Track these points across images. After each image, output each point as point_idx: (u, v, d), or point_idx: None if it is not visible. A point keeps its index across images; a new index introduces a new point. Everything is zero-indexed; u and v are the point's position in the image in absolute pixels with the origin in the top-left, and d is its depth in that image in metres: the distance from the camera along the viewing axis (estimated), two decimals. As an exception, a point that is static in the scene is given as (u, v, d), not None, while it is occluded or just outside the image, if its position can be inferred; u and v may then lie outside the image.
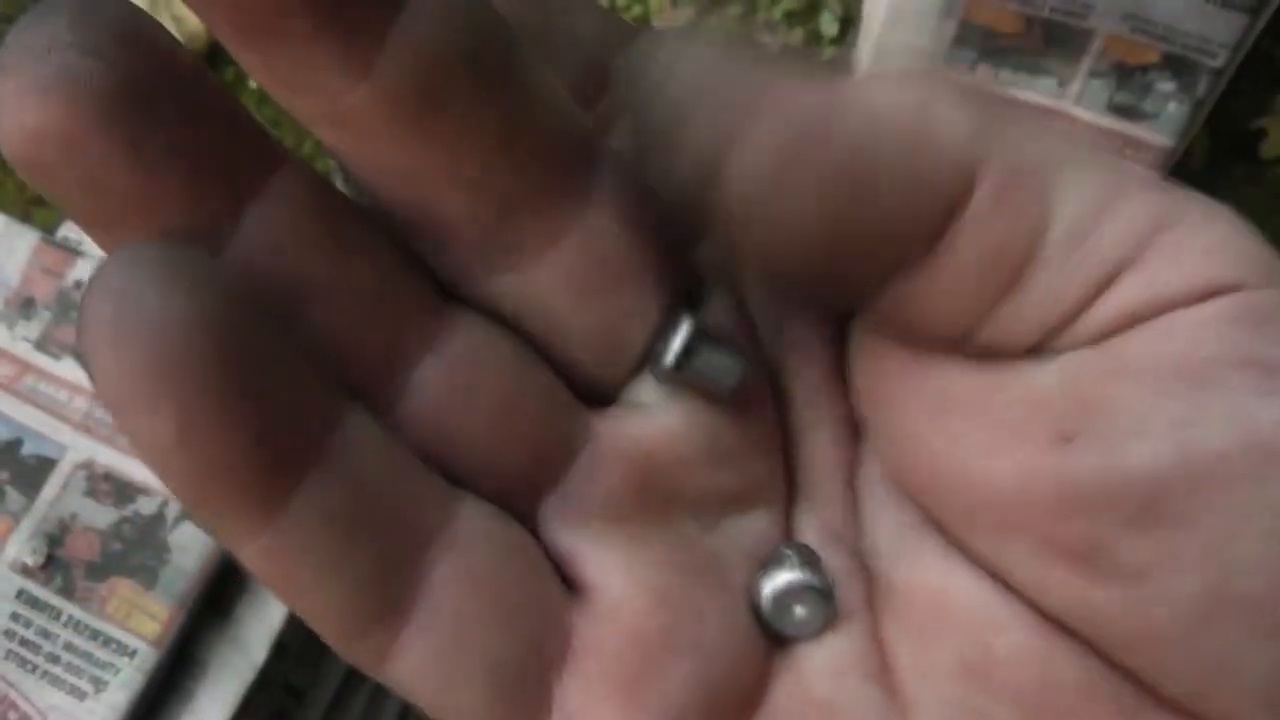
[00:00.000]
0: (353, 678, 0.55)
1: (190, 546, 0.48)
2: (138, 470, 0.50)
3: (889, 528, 0.19)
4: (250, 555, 0.16)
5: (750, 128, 0.15)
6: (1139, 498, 0.15)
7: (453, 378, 0.17)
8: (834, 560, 0.19)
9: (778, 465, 0.20)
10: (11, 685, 0.48)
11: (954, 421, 0.17)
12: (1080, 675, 0.17)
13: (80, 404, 0.51)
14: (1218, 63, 0.55)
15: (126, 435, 0.15)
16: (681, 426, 0.19)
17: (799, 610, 0.18)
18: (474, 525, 0.17)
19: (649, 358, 0.19)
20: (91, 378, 0.14)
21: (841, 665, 0.18)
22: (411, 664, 0.17)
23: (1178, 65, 0.56)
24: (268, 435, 0.15)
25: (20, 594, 0.49)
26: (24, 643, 0.48)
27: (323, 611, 0.16)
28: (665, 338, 0.18)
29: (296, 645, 0.52)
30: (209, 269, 0.15)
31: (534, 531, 0.18)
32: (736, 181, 0.16)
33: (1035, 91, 0.57)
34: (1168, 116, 0.56)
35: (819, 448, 0.20)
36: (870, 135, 0.15)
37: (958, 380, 0.17)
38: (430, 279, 0.18)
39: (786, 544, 0.19)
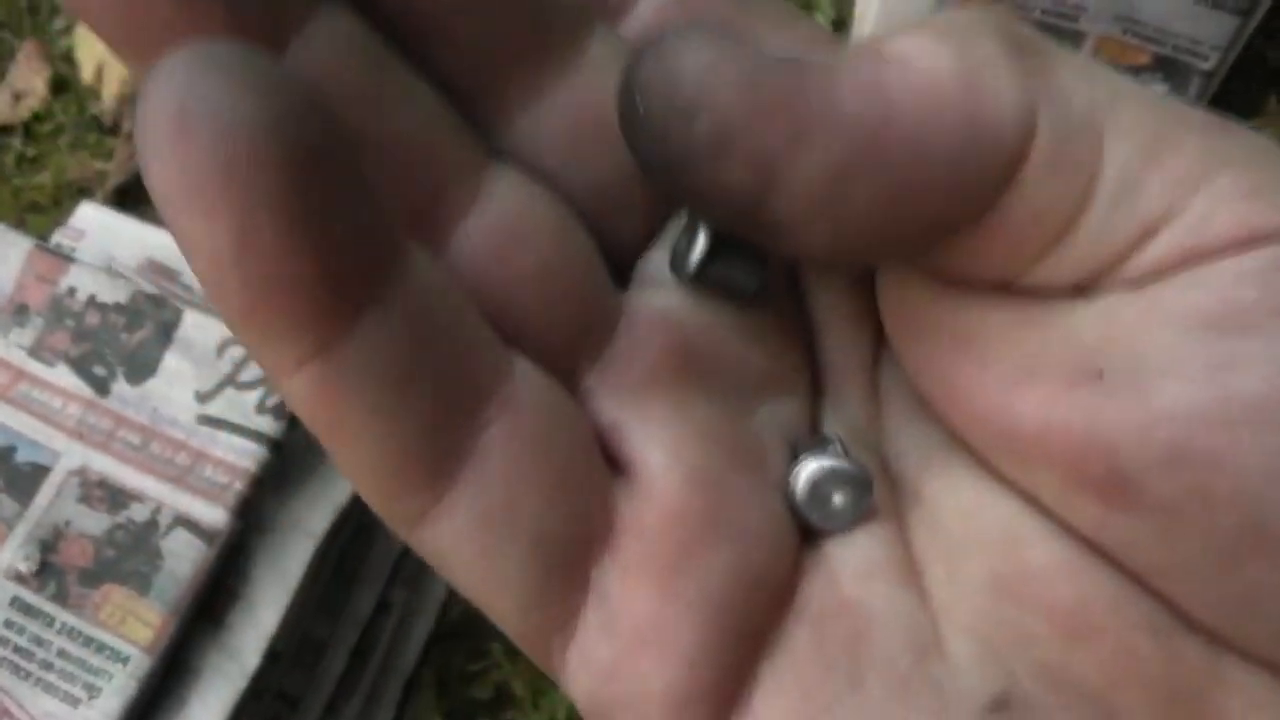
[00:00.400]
0: (346, 684, 0.55)
1: (183, 553, 0.48)
2: (131, 477, 0.50)
3: (914, 439, 0.19)
4: (296, 386, 0.15)
5: (805, 140, 0.16)
6: (1169, 437, 0.15)
7: (500, 231, 0.17)
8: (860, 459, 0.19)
9: (803, 357, 0.20)
10: (5, 692, 0.48)
11: (983, 352, 0.17)
12: (1112, 594, 0.17)
13: (73, 411, 0.51)
14: (1209, 64, 0.55)
15: (179, 239, 0.14)
16: (712, 304, 0.19)
17: (836, 498, 0.18)
18: (529, 387, 0.16)
19: (673, 256, 0.19)
20: (147, 175, 0.14)
21: (872, 566, 0.18)
22: (453, 528, 0.16)
23: (1169, 67, 0.56)
24: (335, 253, 0.14)
25: (14, 601, 0.49)
26: (17, 650, 0.48)
27: (367, 460, 0.15)
28: (687, 241, 0.18)
29: (290, 652, 0.52)
30: (281, 72, 0.14)
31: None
32: (795, 195, 0.16)
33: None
34: (1160, 118, 0.56)
35: (842, 348, 0.20)
36: (923, 132, 0.16)
37: (990, 313, 0.17)
38: (474, 133, 0.17)
39: (823, 435, 0.19)
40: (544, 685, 0.58)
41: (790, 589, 0.18)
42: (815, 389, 0.20)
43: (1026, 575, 0.17)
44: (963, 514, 0.18)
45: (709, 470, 0.17)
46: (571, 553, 0.17)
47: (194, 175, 0.13)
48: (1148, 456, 0.15)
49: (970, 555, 0.18)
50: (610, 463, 0.17)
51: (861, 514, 0.18)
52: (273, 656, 0.50)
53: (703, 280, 0.18)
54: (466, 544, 0.16)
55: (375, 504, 0.16)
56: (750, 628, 0.17)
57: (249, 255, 0.14)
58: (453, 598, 0.59)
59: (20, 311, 0.52)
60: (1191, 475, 0.15)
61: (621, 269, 0.19)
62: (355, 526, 0.53)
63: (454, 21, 0.17)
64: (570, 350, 0.18)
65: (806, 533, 0.18)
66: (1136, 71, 0.56)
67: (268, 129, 0.13)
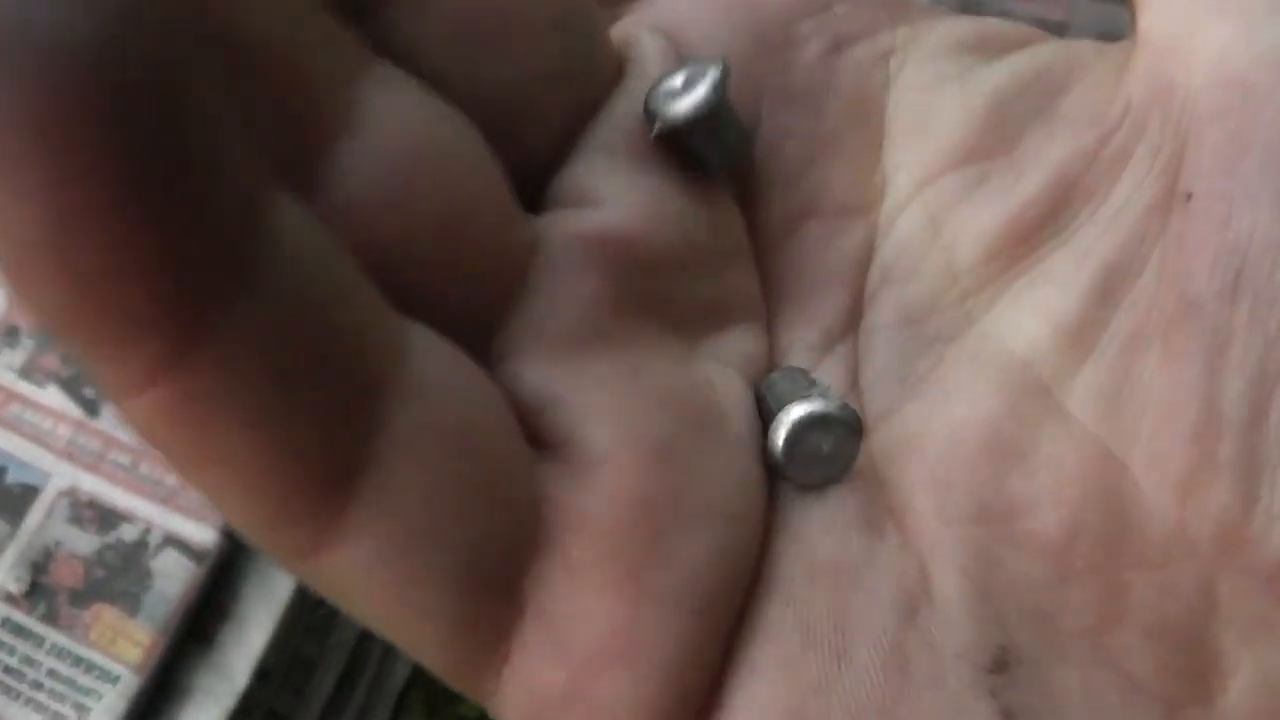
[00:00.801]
0: (336, 704, 0.55)
1: (173, 573, 0.48)
2: (120, 497, 0.50)
3: (899, 343, 0.17)
4: (141, 409, 0.11)
5: None
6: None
7: (385, 162, 0.13)
8: (827, 377, 0.17)
9: (752, 267, 0.17)
10: (-5, 713, 0.48)
11: None
12: (1100, 525, 0.15)
13: (64, 432, 0.51)
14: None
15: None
16: (645, 221, 0.16)
17: (824, 449, 0.16)
18: (432, 367, 0.13)
19: (648, 112, 0.16)
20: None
21: (845, 519, 0.16)
22: (353, 557, 0.13)
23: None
24: (190, 231, 0.10)
25: (4, 621, 0.49)
26: (7, 670, 0.48)
27: (238, 490, 0.12)
28: (685, 87, 0.16)
29: (279, 671, 0.52)
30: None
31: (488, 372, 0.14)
32: None
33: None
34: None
35: (818, 245, 0.18)
36: None
37: None
38: (340, 26, 0.14)
39: (790, 369, 0.17)
40: (534, 703, 0.58)
41: (760, 560, 0.15)
42: (774, 299, 0.18)
43: (1015, 507, 0.16)
44: (948, 434, 0.16)
45: (663, 438, 0.15)
46: (500, 566, 0.14)
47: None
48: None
49: (957, 483, 0.16)
50: (534, 441, 0.14)
51: (849, 463, 0.16)
52: (262, 675, 0.50)
53: (684, 137, 0.16)
54: (371, 574, 0.13)
55: (256, 538, 0.13)
56: (729, 615, 0.15)
57: (69, 240, 0.10)
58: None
59: (11, 333, 0.53)
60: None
61: (530, 192, 0.16)
62: (345, 545, 0.53)
63: None
64: (479, 305, 0.14)
65: (771, 489, 0.16)
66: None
67: (101, 49, 0.09)
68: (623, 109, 0.17)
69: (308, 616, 0.53)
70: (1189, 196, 0.16)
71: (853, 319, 0.18)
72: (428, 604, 0.13)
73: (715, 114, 0.16)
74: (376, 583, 0.13)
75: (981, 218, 0.17)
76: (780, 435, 0.15)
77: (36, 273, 0.10)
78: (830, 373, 0.17)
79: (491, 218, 0.15)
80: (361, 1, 0.14)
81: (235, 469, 0.12)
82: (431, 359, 0.13)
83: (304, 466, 0.12)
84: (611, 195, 0.16)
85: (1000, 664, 0.15)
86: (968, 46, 0.18)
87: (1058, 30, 0.56)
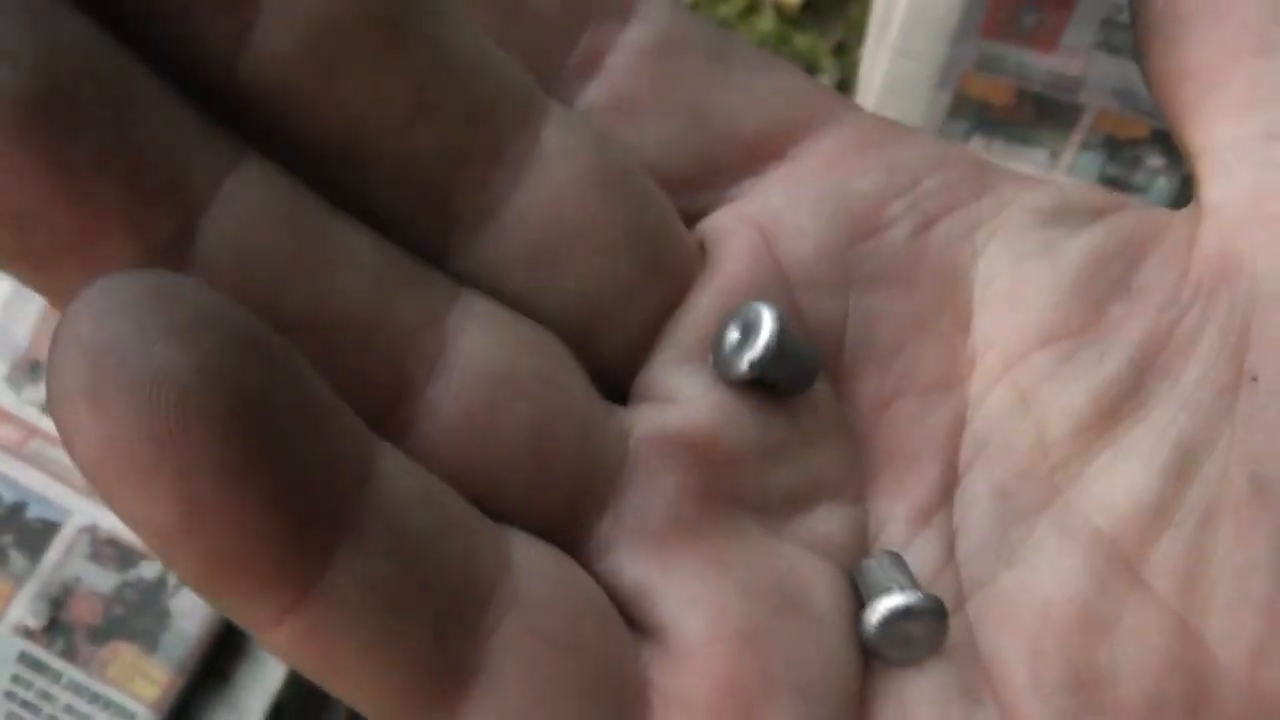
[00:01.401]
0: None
1: (191, 612, 0.49)
2: (140, 535, 0.50)
3: (992, 512, 0.18)
4: (277, 640, 0.13)
5: None
6: None
7: (473, 392, 0.15)
8: (926, 553, 0.18)
9: (842, 448, 0.18)
10: (13, 748, 0.48)
11: None
12: (1183, 692, 0.16)
13: (84, 467, 0.51)
14: (1206, 141, 0.56)
15: (119, 516, 0.12)
16: (723, 418, 0.17)
17: (913, 634, 0.17)
18: (533, 571, 0.15)
19: (719, 353, 0.17)
20: (70, 452, 0.12)
21: (945, 689, 0.17)
22: None
23: (1167, 141, 0.57)
24: (294, 504, 0.13)
25: (22, 656, 0.49)
26: (25, 704, 0.49)
27: (369, 694, 0.14)
28: (744, 336, 0.17)
29: (293, 709, 0.52)
30: (202, 300, 0.12)
31: (588, 567, 0.16)
32: None
33: (1028, 162, 0.58)
34: (1157, 190, 0.57)
35: (911, 421, 0.18)
36: None
37: None
38: (424, 273, 0.16)
39: (882, 557, 0.17)
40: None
41: None
42: (869, 471, 0.18)
43: (1102, 677, 0.17)
44: (1039, 605, 0.17)
45: (754, 625, 0.16)
46: None
47: (119, 448, 0.12)
48: None
49: (1048, 654, 0.17)
50: (635, 626, 0.16)
51: (938, 644, 0.17)
52: (277, 713, 0.50)
53: (761, 376, 0.17)
54: None
55: None
56: None
57: (198, 528, 0.12)
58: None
59: (34, 368, 0.53)
60: None
61: (617, 388, 0.17)
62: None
63: (380, 142, 0.15)
64: (574, 506, 0.16)
65: (870, 662, 0.17)
66: (1134, 144, 0.57)
67: (196, 381, 0.12)
68: (703, 306, 0.18)
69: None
70: (1255, 378, 0.17)
71: (946, 492, 0.18)
72: None
73: (779, 358, 0.17)
74: None
75: (1069, 394, 0.18)
76: (872, 623, 0.17)
77: (175, 553, 0.12)
78: (928, 544, 0.18)
79: (576, 425, 0.16)
80: (441, 242, 0.16)
81: (364, 681, 0.14)
82: (533, 565, 0.15)
83: (421, 675, 0.14)
84: (690, 394, 0.17)
85: None
86: (1050, 218, 0.19)
87: (1074, 85, 0.56)
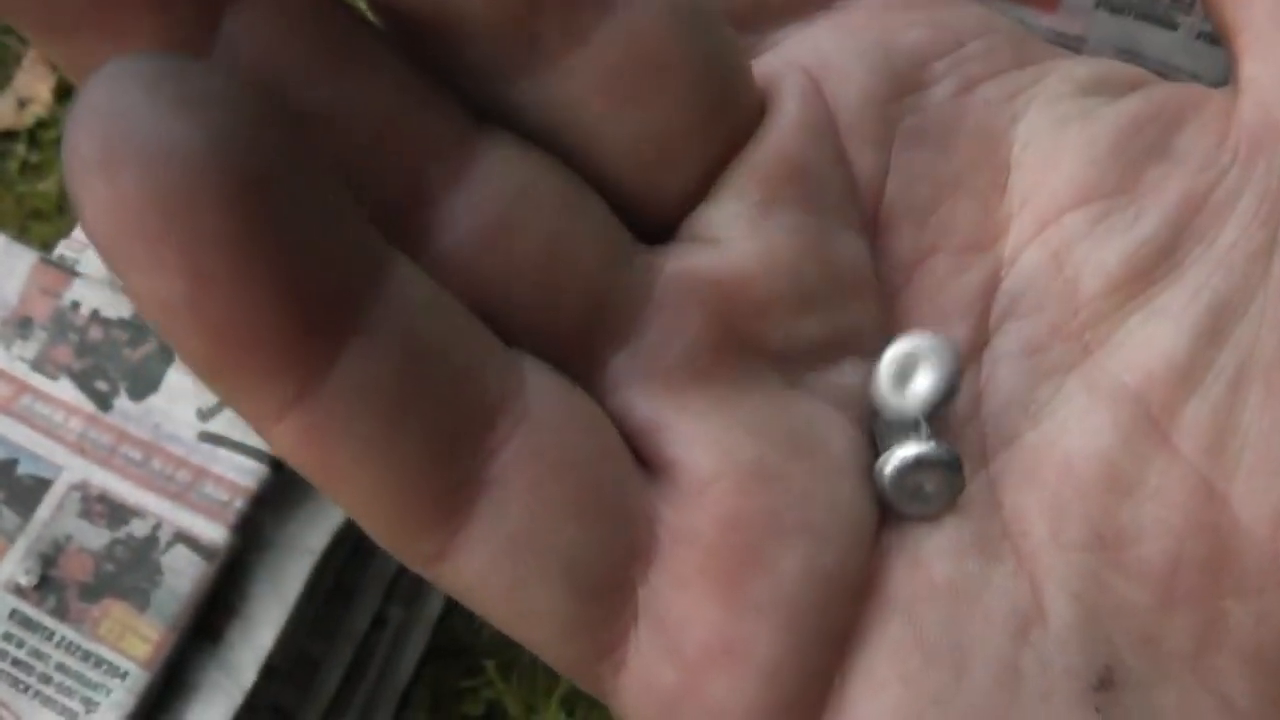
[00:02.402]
0: (341, 701, 0.55)
1: (182, 569, 0.49)
2: (131, 493, 0.50)
3: (1021, 369, 0.18)
4: (280, 436, 0.14)
5: None
6: None
7: (489, 212, 0.15)
8: (951, 411, 0.18)
9: (872, 303, 0.18)
10: (4, 705, 0.48)
11: None
12: (1204, 555, 0.16)
13: (76, 425, 0.51)
14: (1208, 100, 0.56)
15: (126, 292, 0.12)
16: (759, 262, 0.17)
17: (927, 486, 0.17)
18: (542, 395, 0.15)
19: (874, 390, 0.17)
20: (82, 223, 0.12)
21: (962, 543, 0.17)
22: (475, 564, 0.15)
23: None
24: (304, 288, 0.13)
25: (13, 614, 0.49)
26: (16, 663, 0.49)
27: (369, 504, 0.14)
28: (917, 370, 0.17)
29: (286, 668, 0.52)
30: (220, 79, 0.12)
31: (600, 401, 0.16)
32: None
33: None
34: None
35: (944, 278, 0.18)
36: None
37: None
38: (455, 101, 0.15)
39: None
40: (537, 702, 0.58)
41: (873, 578, 0.17)
42: (899, 326, 0.18)
43: (1124, 536, 0.17)
44: (1064, 461, 0.17)
45: (765, 463, 0.16)
46: (611, 573, 0.15)
47: (128, 216, 0.12)
48: None
49: (1071, 511, 0.17)
50: (645, 463, 0.16)
51: (953, 498, 0.17)
52: (269, 672, 0.50)
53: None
54: (492, 579, 0.15)
55: (387, 546, 0.15)
56: (833, 627, 0.16)
57: (203, 303, 0.12)
58: (447, 615, 0.60)
59: (24, 324, 0.53)
60: None
61: (669, 226, 0.17)
62: (353, 544, 0.54)
63: None
64: (587, 337, 0.16)
65: (884, 514, 0.17)
66: (1136, 105, 0.56)
67: (207, 152, 0.12)
68: (761, 151, 0.17)
69: (314, 615, 0.53)
70: None
71: (975, 351, 0.18)
72: (543, 606, 0.15)
73: (947, 394, 0.17)
74: (496, 587, 0.15)
75: (1102, 253, 0.18)
76: (885, 473, 0.17)
77: (180, 329, 0.12)
78: (953, 404, 0.18)
79: (596, 251, 0.16)
80: (509, 69, 0.15)
81: (365, 485, 0.14)
82: (543, 390, 0.15)
83: (424, 484, 0.14)
84: (732, 237, 0.17)
85: (1105, 682, 0.16)
86: (1088, 87, 0.19)
87: (1075, 44, 0.56)
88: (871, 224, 0.18)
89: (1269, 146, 0.17)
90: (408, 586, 0.58)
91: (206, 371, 0.13)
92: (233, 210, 0.12)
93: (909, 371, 0.17)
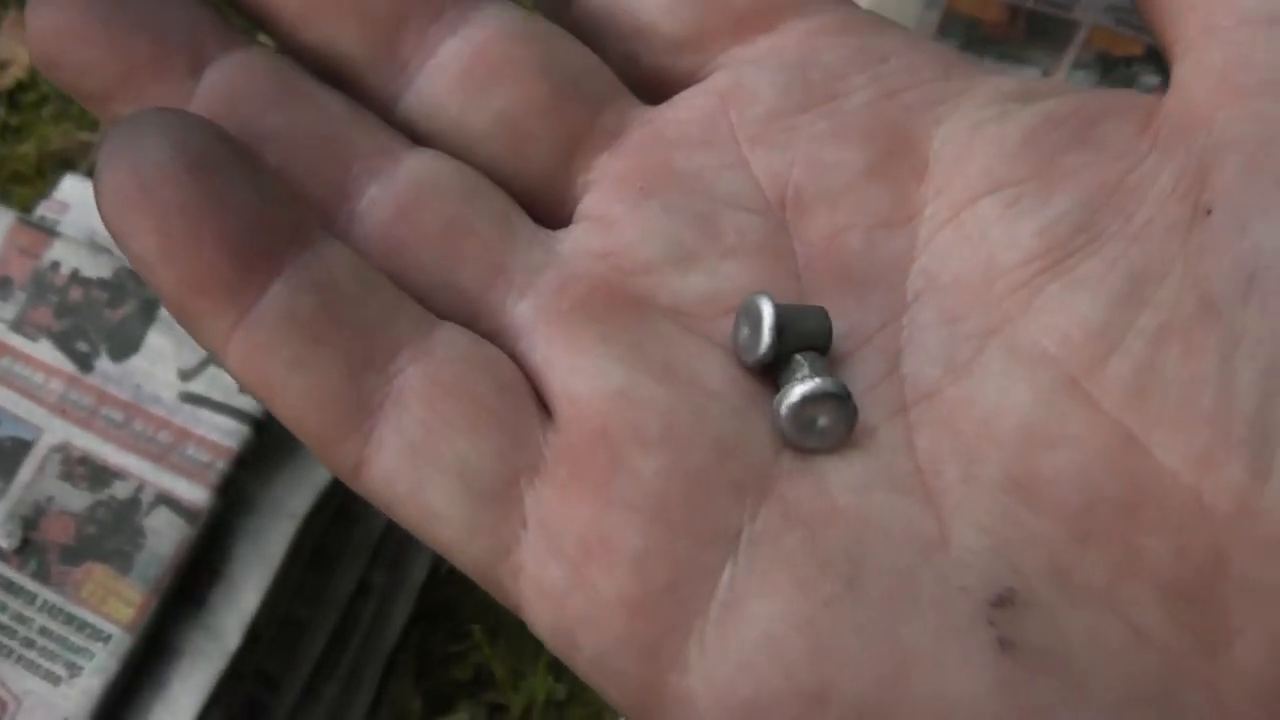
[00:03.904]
0: (326, 665, 0.55)
1: (165, 532, 0.48)
2: (113, 454, 0.50)
3: (940, 334, 0.19)
4: (230, 359, 0.18)
5: None
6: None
7: (398, 200, 0.19)
8: (865, 365, 0.19)
9: (770, 259, 0.20)
10: (-15, 669, 0.48)
11: None
12: (1121, 497, 0.17)
13: (56, 386, 0.51)
14: (1201, 57, 0.55)
15: (127, 255, 0.17)
16: (640, 230, 0.20)
17: (820, 421, 0.18)
18: (449, 342, 0.18)
19: (735, 347, 0.19)
20: (98, 205, 0.17)
21: (868, 478, 0.18)
22: (385, 466, 0.18)
23: (1160, 59, 0.56)
24: (238, 244, 0.17)
25: (-5, 577, 0.49)
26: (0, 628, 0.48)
27: (297, 413, 0.18)
28: (752, 330, 0.19)
29: (270, 632, 0.52)
30: (187, 119, 0.18)
31: (514, 357, 0.19)
32: None
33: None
34: (1150, 110, 0.56)
35: (858, 251, 0.20)
36: None
37: None
38: (383, 124, 0.20)
39: (805, 354, 0.19)
40: (524, 667, 0.58)
41: (773, 496, 0.18)
42: (800, 294, 0.20)
43: (1040, 479, 0.17)
44: (982, 416, 0.18)
45: (629, 386, 0.18)
46: (501, 483, 0.18)
47: (123, 195, 0.17)
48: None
49: (986, 457, 0.18)
50: (543, 400, 0.19)
51: (848, 432, 0.18)
52: (253, 637, 0.50)
53: (778, 357, 0.19)
54: (397, 483, 0.18)
55: (319, 456, 0.18)
56: (707, 524, 0.17)
57: (170, 251, 0.17)
58: (433, 580, 0.59)
59: (3, 285, 0.52)
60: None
61: (549, 205, 0.21)
62: (336, 508, 0.53)
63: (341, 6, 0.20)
64: (491, 292, 0.19)
65: (792, 448, 0.18)
66: (1129, 63, 0.56)
67: (172, 153, 0.17)
68: (645, 157, 0.21)
69: (299, 578, 0.52)
70: (1209, 211, 0.17)
71: (891, 316, 0.19)
72: (438, 508, 0.18)
73: (785, 337, 0.18)
74: (401, 489, 0.18)
75: (1016, 230, 0.19)
76: (777, 407, 0.18)
77: (157, 277, 0.17)
78: (867, 359, 0.19)
79: (491, 231, 0.20)
80: (394, 85, 0.21)
81: (292, 395, 0.18)
82: (449, 337, 0.19)
83: (337, 395, 0.18)
84: (617, 214, 0.20)
85: (1005, 601, 0.17)
86: (1011, 95, 0.20)
87: (1068, 1, 0.55)
88: (780, 208, 0.20)
89: (1188, 133, 0.18)
90: (393, 551, 0.57)
91: (178, 310, 0.18)
92: (187, 187, 0.17)
93: (743, 326, 0.19)
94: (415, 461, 0.18)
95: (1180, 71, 0.19)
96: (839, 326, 0.19)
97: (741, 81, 0.21)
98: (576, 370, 0.18)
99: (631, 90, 0.22)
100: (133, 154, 0.17)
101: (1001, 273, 0.19)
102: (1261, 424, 0.16)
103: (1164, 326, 0.17)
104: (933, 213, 0.20)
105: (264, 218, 0.18)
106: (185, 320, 0.18)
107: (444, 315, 0.19)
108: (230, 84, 0.19)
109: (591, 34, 0.22)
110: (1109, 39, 0.56)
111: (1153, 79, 0.56)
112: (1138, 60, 0.56)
